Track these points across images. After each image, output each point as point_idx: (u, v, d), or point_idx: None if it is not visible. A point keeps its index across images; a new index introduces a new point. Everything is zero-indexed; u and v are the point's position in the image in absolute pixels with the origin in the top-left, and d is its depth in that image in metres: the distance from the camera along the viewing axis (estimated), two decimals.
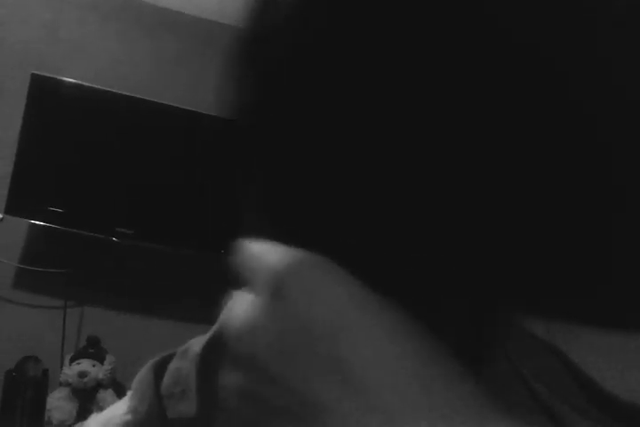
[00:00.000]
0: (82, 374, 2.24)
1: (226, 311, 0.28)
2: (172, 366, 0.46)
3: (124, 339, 2.45)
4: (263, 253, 0.27)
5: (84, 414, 2.15)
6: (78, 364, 2.29)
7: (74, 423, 2.10)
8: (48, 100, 2.40)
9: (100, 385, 2.28)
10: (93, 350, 2.35)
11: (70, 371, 2.27)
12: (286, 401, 0.24)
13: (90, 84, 2.43)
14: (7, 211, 2.37)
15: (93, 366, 2.29)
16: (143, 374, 0.47)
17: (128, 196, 2.47)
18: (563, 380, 0.26)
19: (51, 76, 2.39)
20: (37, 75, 2.37)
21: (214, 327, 0.44)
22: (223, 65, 0.31)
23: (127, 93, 2.45)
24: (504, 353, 0.27)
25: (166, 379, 0.46)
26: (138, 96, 2.45)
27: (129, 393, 0.47)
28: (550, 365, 0.26)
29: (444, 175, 0.25)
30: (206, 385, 0.43)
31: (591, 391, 0.25)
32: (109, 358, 2.34)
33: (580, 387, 0.25)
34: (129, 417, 0.45)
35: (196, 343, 0.46)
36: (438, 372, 0.24)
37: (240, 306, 0.27)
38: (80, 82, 2.42)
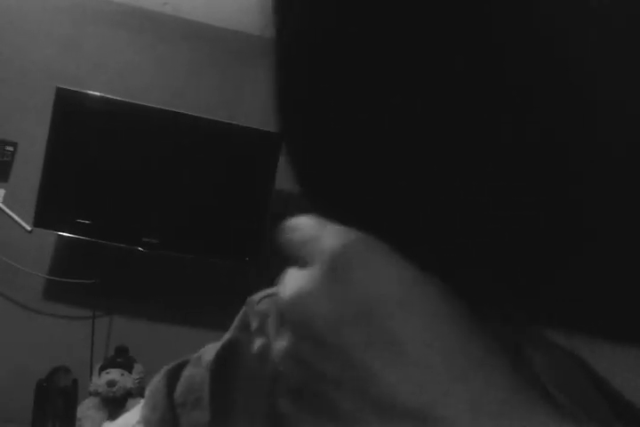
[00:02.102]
0: (111, 384, 2.27)
1: (277, 286, 0.30)
2: (186, 373, 0.46)
3: (152, 348, 2.48)
4: (317, 231, 0.29)
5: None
6: (107, 373, 2.32)
7: None
8: (73, 114, 2.43)
9: (128, 394, 2.30)
10: (122, 359, 2.37)
11: (99, 380, 2.30)
12: (336, 367, 0.26)
13: (114, 97, 2.46)
14: (36, 223, 2.41)
15: (122, 375, 2.31)
16: (156, 381, 0.47)
17: (153, 206, 2.50)
18: (587, 392, 0.26)
19: (75, 89, 2.43)
20: (62, 88, 2.41)
21: (228, 333, 0.45)
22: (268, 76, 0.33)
23: (151, 105, 2.48)
24: (526, 361, 0.27)
25: (179, 387, 0.46)
26: (162, 107, 2.48)
27: (141, 402, 0.47)
28: (574, 376, 0.26)
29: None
30: (220, 392, 0.43)
31: (618, 405, 0.25)
32: (138, 367, 2.36)
33: (606, 400, 0.25)
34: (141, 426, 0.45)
35: (209, 350, 0.46)
36: (484, 354, 0.25)
37: (295, 280, 0.28)
38: (104, 95, 2.46)
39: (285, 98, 0.30)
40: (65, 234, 2.43)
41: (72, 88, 2.42)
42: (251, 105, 2.64)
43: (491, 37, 0.24)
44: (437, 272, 0.27)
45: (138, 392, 2.30)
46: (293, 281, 0.28)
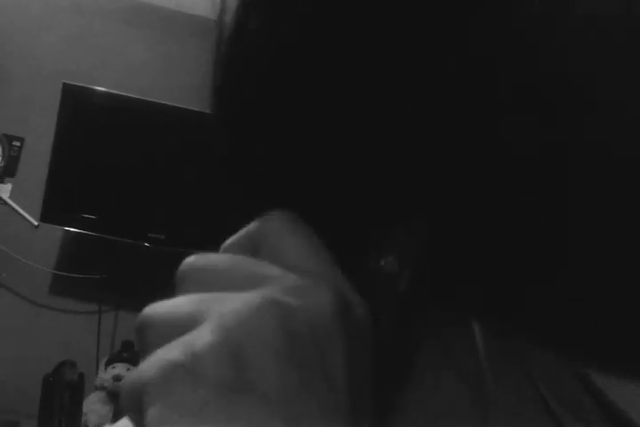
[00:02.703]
0: (117, 378, 2.28)
1: None
2: None
3: None
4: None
5: (119, 417, 2.17)
6: (113, 368, 2.33)
7: None
8: (80, 109, 2.44)
9: None
10: (128, 354, 2.38)
11: (105, 375, 2.31)
12: None
13: (120, 93, 2.46)
14: (42, 219, 2.42)
15: (128, 369, 2.32)
16: None
17: (160, 202, 2.50)
18: (584, 403, 0.26)
19: (82, 85, 2.43)
20: (69, 84, 2.41)
21: None
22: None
23: (158, 101, 2.48)
24: (526, 372, 0.27)
25: None
26: (169, 103, 2.48)
27: None
28: (571, 386, 0.26)
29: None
30: None
31: (615, 418, 0.25)
32: None
33: (602, 412, 0.25)
34: None
35: None
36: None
37: None
38: (111, 90, 2.46)
39: (268, 98, 0.29)
40: (71, 229, 2.44)
41: (79, 84, 2.43)
42: None
43: (483, 38, 0.24)
44: (433, 286, 0.27)
45: None
46: None
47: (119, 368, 2.32)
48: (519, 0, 0.23)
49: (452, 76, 0.25)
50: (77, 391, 2.20)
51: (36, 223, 2.49)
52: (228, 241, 0.28)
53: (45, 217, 2.41)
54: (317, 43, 0.27)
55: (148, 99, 2.48)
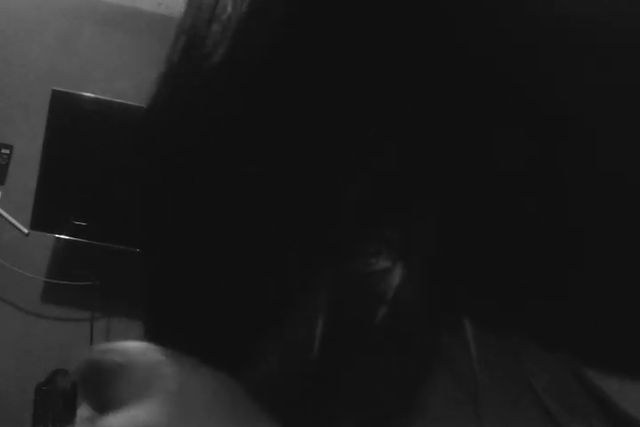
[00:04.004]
0: None
1: None
2: None
3: None
4: None
5: None
6: None
7: None
8: (69, 116, 2.43)
9: None
10: None
11: None
12: None
13: (110, 99, 2.46)
14: (32, 226, 2.41)
15: None
16: None
17: None
18: (577, 396, 0.26)
19: (71, 91, 2.42)
20: (58, 91, 2.40)
21: None
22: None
23: None
24: (514, 362, 0.27)
25: None
26: None
27: None
28: (564, 380, 0.26)
29: None
30: None
31: (608, 411, 0.25)
32: None
33: (596, 405, 0.25)
34: None
35: None
36: None
37: None
38: (100, 96, 2.45)
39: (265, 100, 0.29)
40: (62, 236, 2.43)
41: (67, 90, 2.42)
42: None
43: (484, 38, 0.24)
44: (430, 286, 0.27)
45: None
46: None
47: None
48: (519, 4, 0.23)
49: (451, 75, 0.25)
50: (70, 400, 2.19)
51: (26, 231, 2.48)
52: None
53: (35, 225, 2.40)
54: (317, 43, 0.27)
55: (137, 104, 2.47)
